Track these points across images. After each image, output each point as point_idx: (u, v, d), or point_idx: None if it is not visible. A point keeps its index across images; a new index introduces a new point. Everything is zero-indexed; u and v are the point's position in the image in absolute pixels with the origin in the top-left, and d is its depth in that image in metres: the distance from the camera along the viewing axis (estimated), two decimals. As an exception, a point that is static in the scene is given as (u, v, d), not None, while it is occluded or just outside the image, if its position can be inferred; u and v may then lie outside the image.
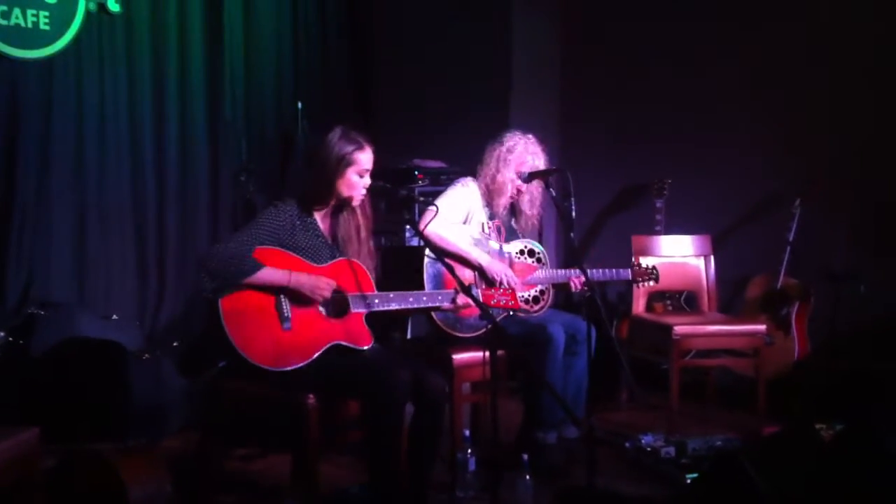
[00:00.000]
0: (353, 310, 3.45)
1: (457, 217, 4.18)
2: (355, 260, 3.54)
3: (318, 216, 3.53)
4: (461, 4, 6.21)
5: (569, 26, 6.25)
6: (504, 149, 4.24)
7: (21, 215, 4.97)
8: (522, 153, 4.22)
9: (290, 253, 3.39)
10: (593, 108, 6.14)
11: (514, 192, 4.26)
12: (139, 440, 4.22)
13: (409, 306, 3.57)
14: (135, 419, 4.36)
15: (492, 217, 4.27)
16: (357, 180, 3.49)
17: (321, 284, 3.35)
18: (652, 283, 4.38)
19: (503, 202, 4.25)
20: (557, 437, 4.14)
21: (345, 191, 3.49)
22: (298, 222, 3.46)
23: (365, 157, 3.50)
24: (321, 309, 3.41)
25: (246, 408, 3.45)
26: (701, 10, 5.70)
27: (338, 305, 3.45)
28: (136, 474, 3.20)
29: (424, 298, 3.62)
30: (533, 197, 4.32)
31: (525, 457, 3.69)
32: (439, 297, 3.63)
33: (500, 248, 4.23)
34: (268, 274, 3.27)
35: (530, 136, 4.30)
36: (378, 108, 6.58)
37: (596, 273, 4.22)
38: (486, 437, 3.92)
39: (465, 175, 4.36)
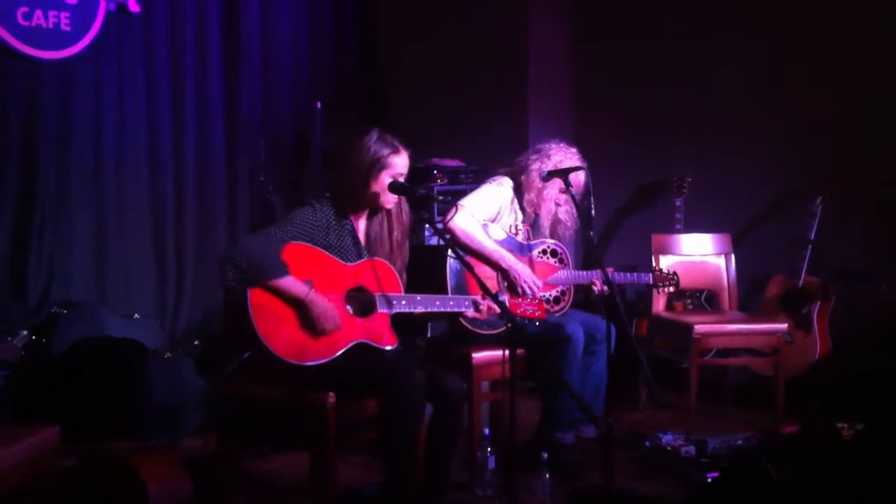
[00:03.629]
0: (379, 310, 3.45)
1: (486, 213, 4.17)
2: (385, 261, 3.54)
3: (353, 218, 3.53)
4: (477, 3, 6.20)
5: (585, 23, 6.23)
6: (544, 154, 4.24)
7: (41, 215, 5.00)
8: (561, 161, 4.20)
9: (320, 250, 3.39)
10: (612, 106, 6.11)
11: (546, 198, 4.24)
12: (159, 439, 4.23)
13: (435, 310, 3.56)
14: (154, 418, 4.37)
15: (523, 220, 4.27)
16: (388, 184, 3.47)
17: (329, 316, 3.31)
18: (672, 288, 4.37)
19: (535, 206, 4.24)
20: (576, 436, 4.13)
21: (378, 194, 3.49)
22: (334, 222, 3.46)
23: (400, 161, 3.49)
24: (348, 307, 3.42)
25: (264, 407, 3.46)
26: (720, 6, 5.67)
27: (363, 304, 3.45)
28: (156, 473, 3.20)
29: (451, 303, 3.61)
30: (569, 210, 4.30)
31: (544, 456, 3.68)
32: (465, 303, 3.61)
33: (522, 246, 4.23)
34: (289, 283, 3.26)
35: (573, 149, 4.30)
36: (394, 107, 6.58)
37: (617, 276, 4.21)
38: (504, 436, 3.92)
39: (483, 173, 4.36)
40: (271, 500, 3.84)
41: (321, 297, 3.31)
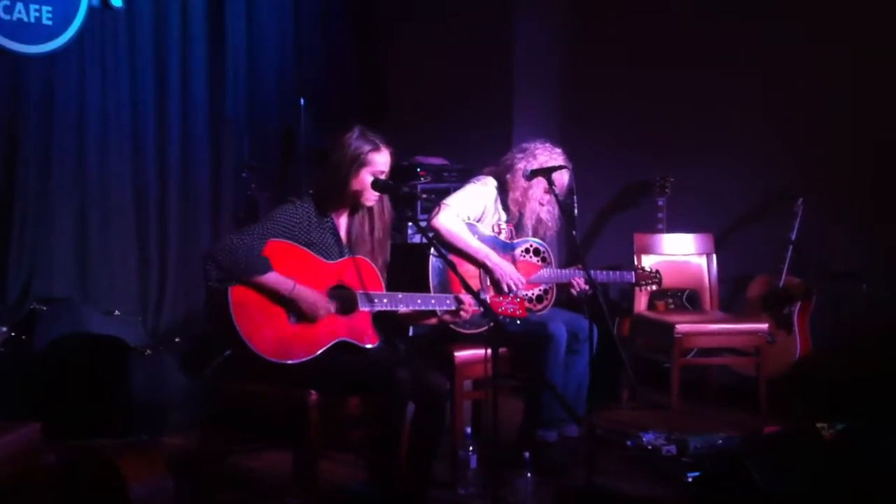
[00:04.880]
0: (361, 308, 3.45)
1: (471, 213, 4.17)
2: (367, 259, 3.53)
3: (334, 215, 3.52)
4: (464, 2, 6.20)
5: (571, 24, 6.24)
6: (530, 154, 4.24)
7: (23, 210, 4.96)
8: (546, 161, 4.21)
9: (301, 247, 3.38)
10: (596, 106, 6.12)
11: (531, 197, 4.24)
12: (141, 436, 4.22)
13: (417, 308, 3.54)
14: (136, 415, 4.36)
15: (508, 219, 4.28)
16: (371, 181, 3.47)
17: (319, 306, 3.33)
18: (655, 286, 4.38)
19: (519, 205, 4.24)
20: (558, 435, 4.14)
21: (359, 191, 3.47)
22: (315, 220, 3.45)
23: (381, 159, 3.48)
24: (329, 306, 3.41)
25: (247, 405, 3.45)
26: (703, 8, 5.69)
27: (346, 303, 3.45)
28: (138, 471, 3.18)
29: (433, 301, 3.60)
30: (552, 209, 4.30)
31: (526, 455, 3.69)
32: (447, 301, 3.59)
33: (506, 245, 4.23)
34: (273, 279, 3.26)
35: (559, 149, 4.30)
36: (380, 104, 6.57)
37: (599, 275, 4.23)
38: (487, 434, 3.92)
39: (467, 172, 4.35)
40: (256, 498, 3.82)
41: (305, 289, 3.31)
